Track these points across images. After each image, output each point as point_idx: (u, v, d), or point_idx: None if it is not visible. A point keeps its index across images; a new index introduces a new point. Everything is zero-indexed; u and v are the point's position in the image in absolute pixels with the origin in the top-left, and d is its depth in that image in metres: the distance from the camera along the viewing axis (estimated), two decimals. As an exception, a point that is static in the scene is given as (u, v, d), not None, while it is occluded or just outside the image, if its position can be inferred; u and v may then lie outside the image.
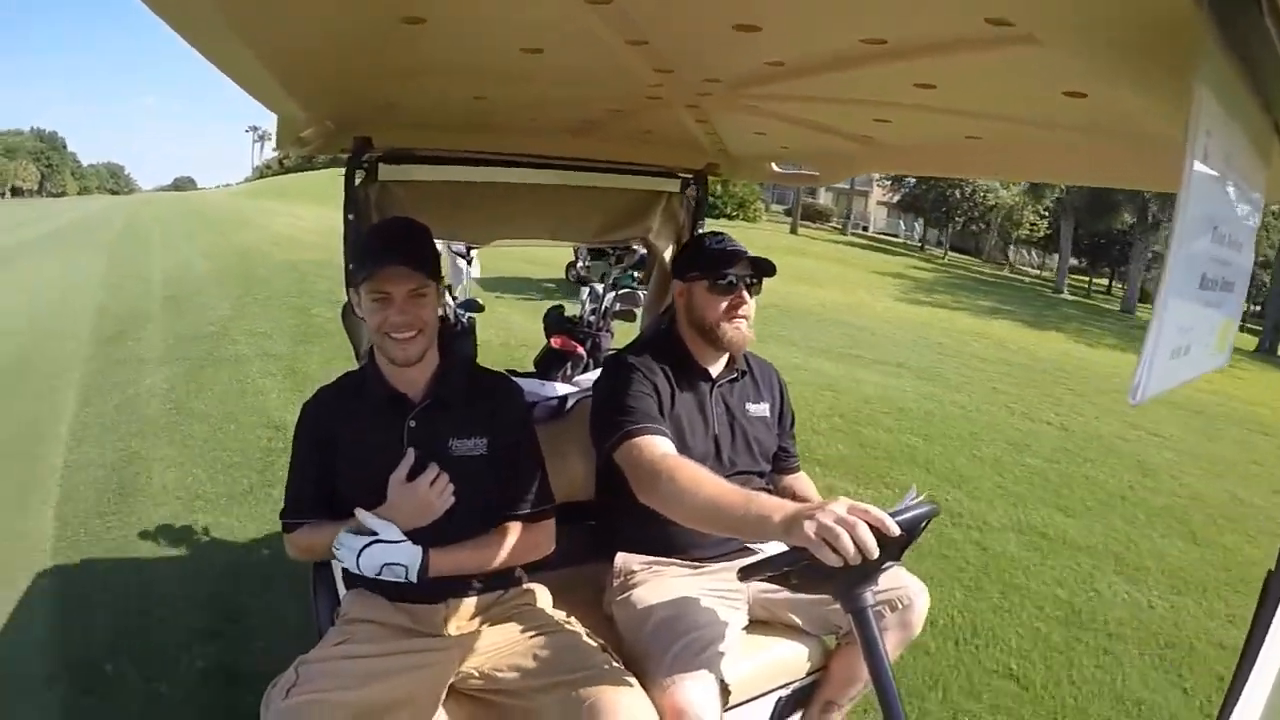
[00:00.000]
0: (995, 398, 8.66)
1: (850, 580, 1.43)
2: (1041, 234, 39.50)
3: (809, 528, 1.26)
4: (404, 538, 1.54)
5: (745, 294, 1.92)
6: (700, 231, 2.11)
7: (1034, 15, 0.75)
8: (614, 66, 1.38)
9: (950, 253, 41.73)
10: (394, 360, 1.60)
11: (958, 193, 37.63)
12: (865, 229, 49.77)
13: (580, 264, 11.03)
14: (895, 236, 47.45)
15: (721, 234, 2.01)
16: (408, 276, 1.55)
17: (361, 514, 1.55)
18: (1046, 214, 37.38)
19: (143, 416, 5.46)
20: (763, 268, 1.93)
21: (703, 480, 1.55)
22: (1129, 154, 1.46)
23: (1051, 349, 14.48)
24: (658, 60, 1.33)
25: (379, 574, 1.52)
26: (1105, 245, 37.42)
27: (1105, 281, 39.85)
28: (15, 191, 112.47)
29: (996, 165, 2.56)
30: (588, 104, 1.80)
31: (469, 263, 3.65)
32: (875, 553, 1.26)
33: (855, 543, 1.24)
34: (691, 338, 1.97)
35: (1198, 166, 0.61)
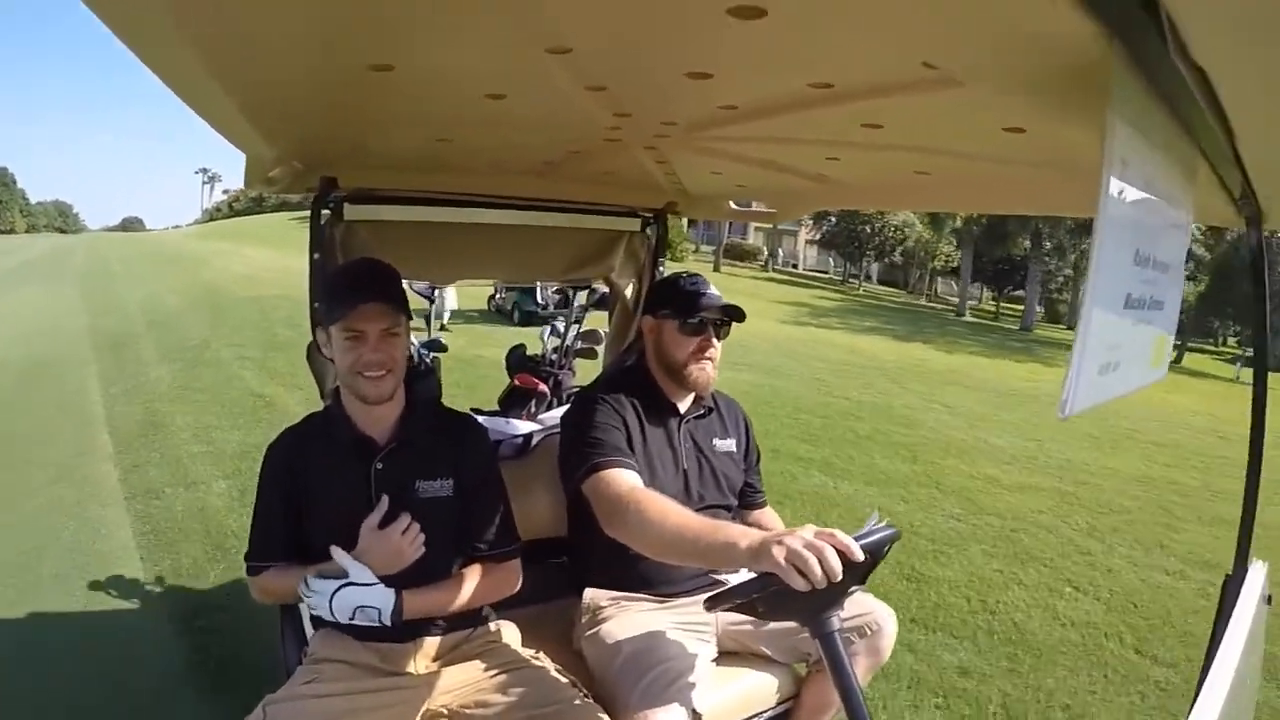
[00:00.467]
0: (813, 384, 10.58)
1: (817, 606, 1.45)
2: (956, 264, 41.60)
3: (777, 553, 1.28)
4: (376, 580, 1.52)
5: (713, 337, 1.95)
6: (673, 272, 2.15)
7: (957, 60, 0.81)
8: (574, 111, 1.43)
9: (880, 285, 44.61)
10: (366, 399, 1.59)
11: (868, 228, 38.95)
12: (795, 266, 51.39)
13: (499, 295, 13.38)
14: (824, 273, 49.01)
15: (696, 276, 2.04)
16: (382, 315, 1.55)
17: (337, 552, 1.52)
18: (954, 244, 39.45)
19: (156, 392, 7.44)
20: (732, 313, 1.96)
21: (669, 511, 1.56)
22: (1072, 184, 1.53)
23: (902, 355, 16.28)
24: (616, 105, 1.37)
25: (352, 618, 1.49)
26: (1007, 271, 39.94)
27: (1020, 306, 41.35)
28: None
29: (946, 199, 2.67)
30: (549, 146, 1.84)
31: (431, 301, 3.66)
32: (840, 576, 1.28)
33: (822, 567, 1.26)
34: (659, 374, 2.00)
35: (1113, 193, 0.66)
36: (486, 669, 1.62)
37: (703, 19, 0.86)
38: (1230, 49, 0.68)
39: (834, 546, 1.28)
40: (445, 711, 1.56)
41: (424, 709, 1.54)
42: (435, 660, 1.65)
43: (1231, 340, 38.55)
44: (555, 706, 1.51)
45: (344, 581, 1.50)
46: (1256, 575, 1.55)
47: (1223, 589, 1.60)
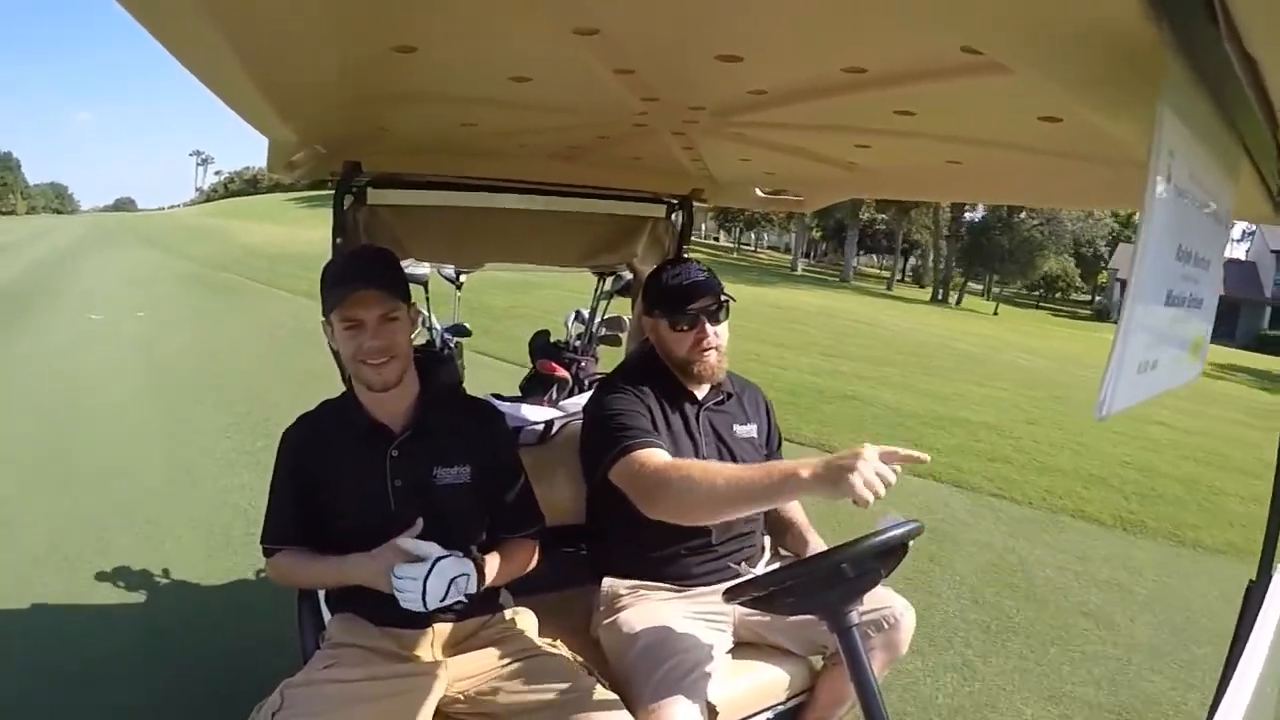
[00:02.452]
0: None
1: (837, 599, 1.45)
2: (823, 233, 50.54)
3: (851, 477, 1.31)
4: (452, 551, 1.52)
5: (708, 326, 1.91)
6: (659, 264, 2.11)
7: (1002, 45, 0.78)
8: (601, 94, 1.41)
9: (769, 250, 54.32)
10: (372, 386, 1.59)
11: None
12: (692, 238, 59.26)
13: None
14: (717, 241, 56.78)
15: (682, 264, 1.99)
16: (377, 301, 1.54)
17: (406, 541, 1.51)
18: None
19: (262, 278, 15.93)
20: (720, 298, 1.92)
21: (713, 468, 1.57)
22: (1105, 176, 1.49)
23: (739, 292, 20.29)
24: (643, 89, 1.35)
25: (444, 597, 1.48)
26: (836, 231, 46.89)
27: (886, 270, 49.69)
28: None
29: (977, 189, 2.62)
30: (575, 130, 1.82)
31: (458, 287, 3.66)
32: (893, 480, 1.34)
33: (879, 485, 1.31)
34: (670, 366, 1.98)
35: (1160, 186, 0.63)
36: (503, 656, 1.62)
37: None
38: (1276, 34, 0.65)
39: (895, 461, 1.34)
40: (462, 697, 1.57)
41: (441, 694, 1.54)
42: (453, 646, 1.65)
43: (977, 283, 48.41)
44: (572, 695, 1.51)
45: (435, 558, 1.48)
46: None
47: (1245, 596, 1.56)
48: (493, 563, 1.64)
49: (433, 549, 1.50)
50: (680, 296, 1.90)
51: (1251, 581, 1.58)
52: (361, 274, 1.56)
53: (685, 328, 1.90)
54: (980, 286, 48.44)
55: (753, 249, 56.98)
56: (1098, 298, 48.20)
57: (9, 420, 5.79)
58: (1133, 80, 0.68)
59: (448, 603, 1.49)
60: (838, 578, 1.43)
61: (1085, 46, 0.70)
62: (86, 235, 34.43)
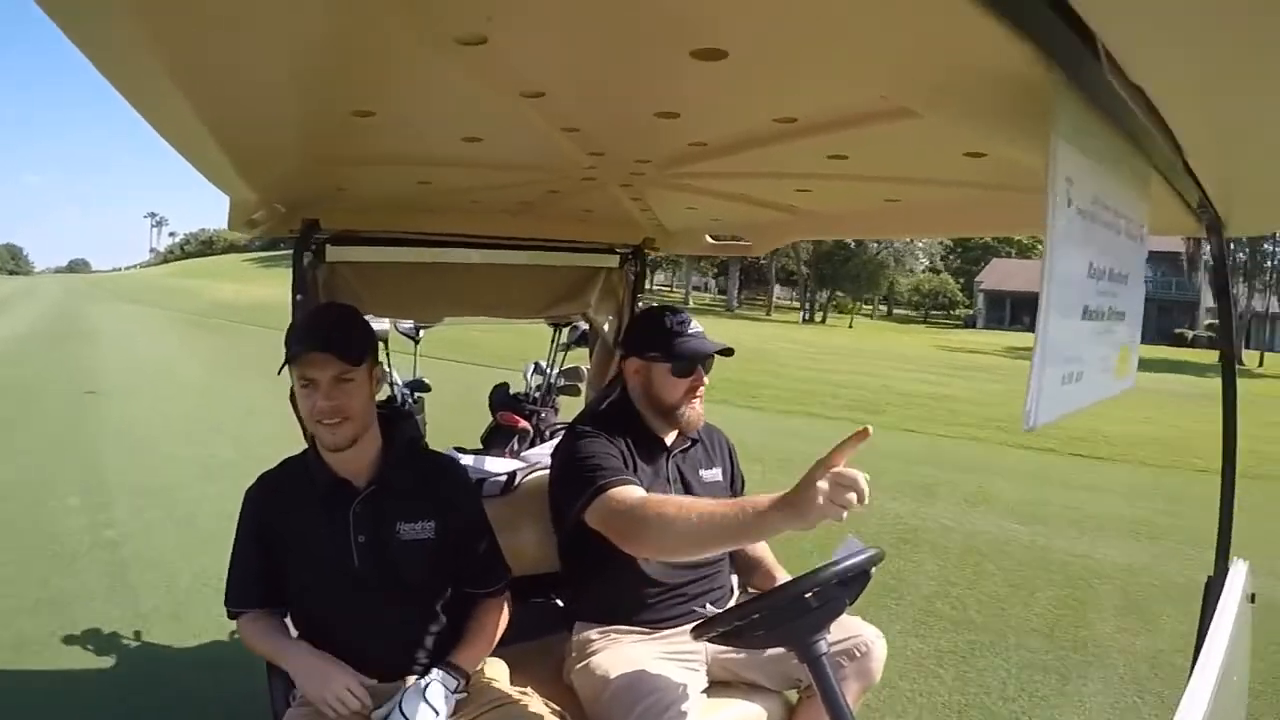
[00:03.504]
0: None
1: (804, 629, 1.47)
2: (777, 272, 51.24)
3: (814, 496, 1.29)
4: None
5: (704, 376, 1.96)
6: (649, 307, 2.16)
7: (910, 92, 0.85)
8: (550, 151, 1.47)
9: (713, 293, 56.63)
10: (325, 446, 1.59)
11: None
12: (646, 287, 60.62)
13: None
14: (667, 286, 56.73)
15: (680, 312, 2.02)
16: (330, 363, 1.53)
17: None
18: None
19: (237, 329, 19.60)
20: (721, 354, 1.96)
21: (687, 504, 1.57)
22: (1033, 204, 1.58)
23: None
24: (590, 145, 1.41)
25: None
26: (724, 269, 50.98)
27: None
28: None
29: (918, 225, 2.72)
30: (527, 186, 1.88)
31: (417, 342, 3.66)
32: (867, 497, 1.31)
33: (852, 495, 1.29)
34: (647, 412, 1.99)
35: (1060, 210, 0.70)
36: (476, 707, 1.61)
37: (667, 61, 0.90)
38: (1163, 66, 0.73)
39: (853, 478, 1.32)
40: None
41: None
42: None
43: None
44: None
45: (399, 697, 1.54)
46: (1238, 574, 1.58)
47: (1205, 590, 1.62)
48: (472, 656, 1.68)
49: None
50: (684, 344, 1.92)
51: (1209, 576, 1.65)
52: (316, 335, 1.56)
53: (684, 374, 1.93)
54: (869, 307, 54.24)
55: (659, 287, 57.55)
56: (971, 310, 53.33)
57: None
58: (1030, 117, 0.75)
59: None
60: (802, 607, 1.44)
61: (983, 89, 0.77)
62: (68, 293, 41.48)
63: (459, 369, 10.19)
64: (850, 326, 41.35)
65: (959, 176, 1.50)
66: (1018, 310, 46.95)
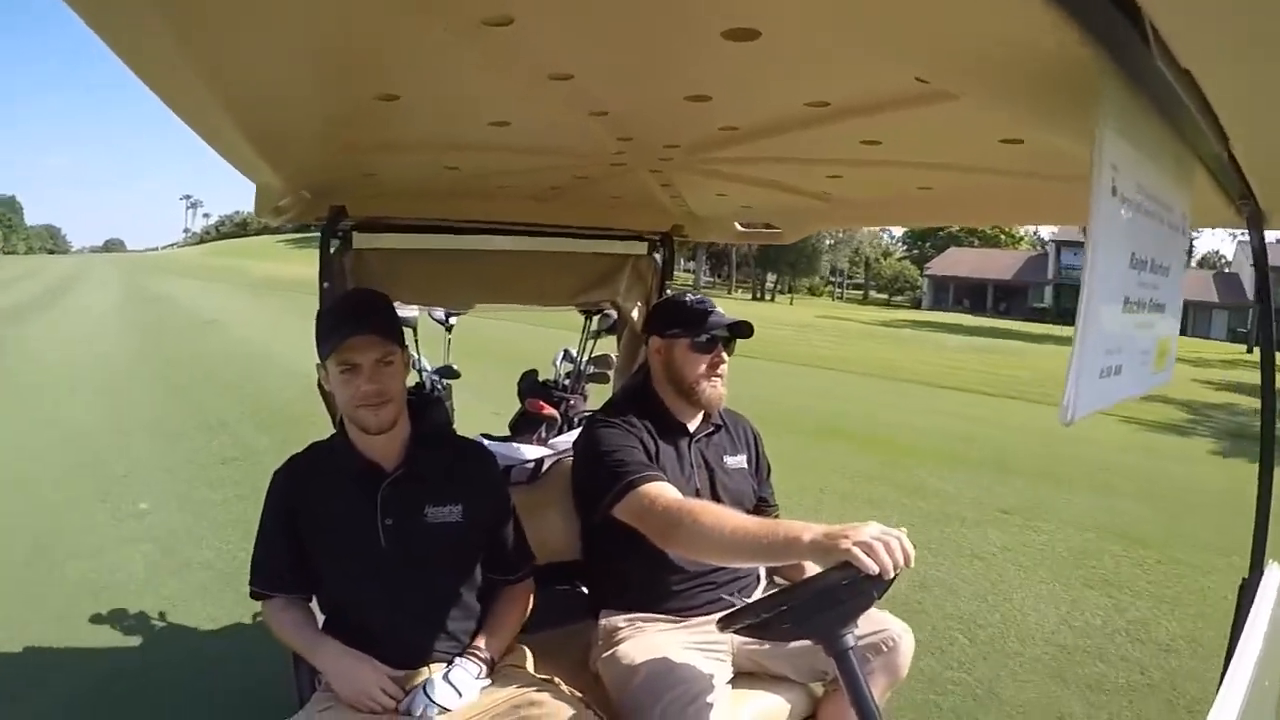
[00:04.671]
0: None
1: (831, 623, 1.45)
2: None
3: (845, 544, 1.34)
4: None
5: (723, 353, 1.97)
6: (674, 292, 2.16)
7: (947, 74, 0.83)
8: (578, 136, 1.46)
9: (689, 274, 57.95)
10: (367, 429, 1.60)
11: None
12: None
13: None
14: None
15: (701, 295, 2.06)
16: (374, 345, 1.57)
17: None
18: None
19: (284, 294, 24.01)
20: (739, 329, 1.98)
21: (723, 515, 1.60)
22: (1072, 193, 1.54)
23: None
24: (618, 129, 1.40)
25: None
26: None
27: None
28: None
29: (951, 213, 2.67)
30: (555, 171, 1.87)
31: (449, 329, 3.68)
32: (913, 560, 1.37)
33: (890, 554, 1.33)
34: (668, 394, 2.00)
35: (1104, 199, 0.67)
36: (506, 693, 1.62)
37: (698, 43, 0.88)
38: (1214, 52, 0.69)
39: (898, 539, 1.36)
40: None
41: None
42: None
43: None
44: None
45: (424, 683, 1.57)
46: (1274, 577, 1.54)
47: (1239, 592, 1.58)
48: (497, 643, 1.70)
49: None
50: (704, 319, 1.96)
51: (1244, 579, 1.61)
52: (357, 319, 1.58)
53: (705, 350, 1.94)
54: (832, 288, 62.91)
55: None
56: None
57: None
58: (1074, 102, 0.72)
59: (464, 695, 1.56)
60: (830, 600, 1.43)
61: (1024, 72, 0.74)
62: (125, 270, 47.56)
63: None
64: (791, 304, 47.67)
65: (995, 164, 1.47)
66: (959, 294, 54.50)
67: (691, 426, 2.02)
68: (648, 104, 1.26)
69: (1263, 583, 1.52)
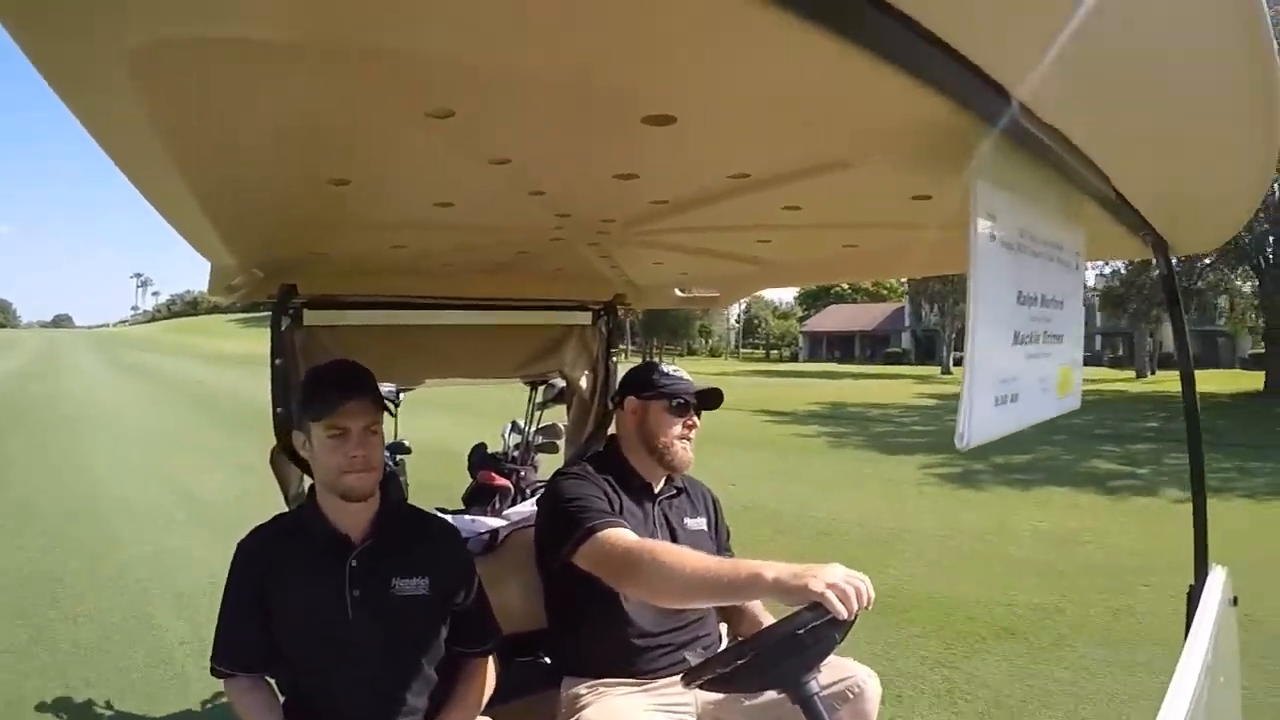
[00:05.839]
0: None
1: (795, 670, 1.47)
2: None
3: (815, 585, 1.38)
4: None
5: (695, 418, 2.04)
6: (647, 361, 2.24)
7: (845, 145, 0.93)
8: (518, 214, 1.53)
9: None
10: (351, 495, 1.60)
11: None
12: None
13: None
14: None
15: (673, 365, 2.14)
16: (366, 412, 1.59)
17: None
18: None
19: (240, 368, 27.23)
20: (708, 398, 2.06)
21: (684, 554, 1.63)
22: None
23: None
24: (556, 207, 1.48)
25: None
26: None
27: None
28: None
29: (877, 268, 2.81)
30: (499, 248, 1.94)
31: (396, 405, 3.67)
32: (871, 603, 1.41)
33: (863, 596, 1.38)
34: (636, 454, 2.04)
35: (982, 245, 0.77)
36: None
37: (621, 128, 0.97)
38: (1071, 106, 0.80)
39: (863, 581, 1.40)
40: None
41: None
42: None
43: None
44: None
45: None
46: (1218, 579, 1.61)
47: (1188, 598, 1.65)
48: (462, 717, 1.70)
49: None
50: (680, 385, 2.03)
51: (1191, 585, 1.68)
52: (349, 387, 1.60)
53: (679, 413, 2.01)
54: (720, 347, 72.76)
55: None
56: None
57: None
58: (955, 160, 0.82)
59: None
60: (794, 647, 1.45)
61: (911, 138, 0.84)
62: (92, 346, 53.62)
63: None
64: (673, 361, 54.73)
65: (910, 219, 1.55)
66: (831, 346, 64.77)
67: (656, 487, 2.07)
68: (581, 183, 1.34)
69: (1207, 585, 1.60)
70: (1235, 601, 1.75)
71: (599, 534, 1.74)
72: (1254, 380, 23.84)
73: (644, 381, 2.07)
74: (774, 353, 70.78)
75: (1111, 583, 4.98)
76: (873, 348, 61.03)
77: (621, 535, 1.73)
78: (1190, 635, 1.32)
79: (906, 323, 59.80)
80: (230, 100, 0.79)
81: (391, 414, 3.67)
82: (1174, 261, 1.70)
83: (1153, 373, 34.63)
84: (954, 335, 41.90)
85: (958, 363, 40.43)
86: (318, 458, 1.61)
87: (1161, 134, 0.95)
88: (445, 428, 8.27)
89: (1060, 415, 1.17)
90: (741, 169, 1.21)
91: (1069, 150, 0.93)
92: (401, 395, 3.64)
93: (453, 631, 1.74)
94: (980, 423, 0.77)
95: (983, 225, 0.77)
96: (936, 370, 41.17)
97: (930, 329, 50.48)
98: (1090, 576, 5.14)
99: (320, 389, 1.62)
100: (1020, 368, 0.92)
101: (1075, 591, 4.80)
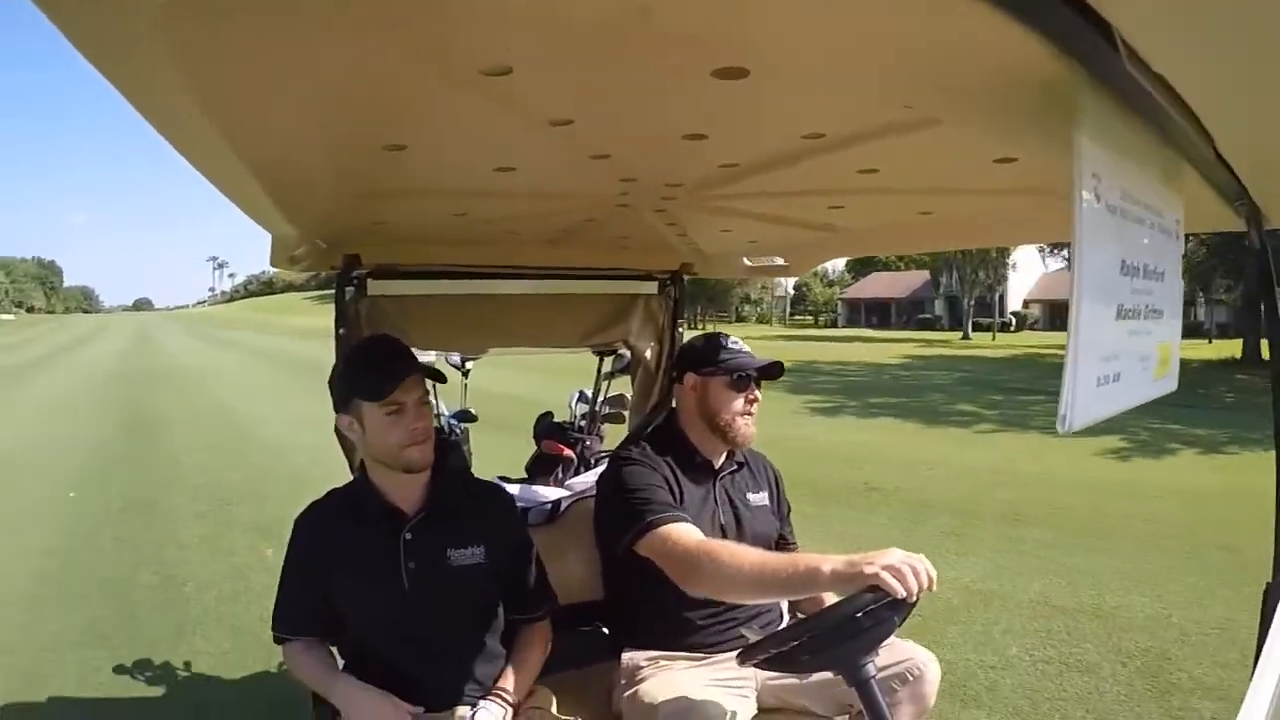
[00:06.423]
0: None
1: (851, 652, 1.44)
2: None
3: (870, 570, 1.37)
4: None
5: (756, 391, 2.00)
6: (706, 332, 2.19)
7: (932, 100, 0.86)
8: (582, 179, 1.50)
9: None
10: (413, 467, 1.62)
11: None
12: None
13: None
14: None
15: (734, 338, 2.10)
16: (418, 385, 1.62)
17: None
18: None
19: (318, 338, 21.01)
20: (770, 370, 2.01)
21: (742, 553, 1.62)
22: (1065, 207, 1.55)
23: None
24: (621, 170, 1.43)
25: None
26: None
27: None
28: (30, 310, 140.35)
29: (953, 236, 2.68)
30: (562, 215, 1.91)
31: (465, 374, 3.71)
32: (935, 584, 1.39)
33: (922, 577, 1.36)
34: (697, 430, 2.02)
35: (1087, 208, 0.69)
36: None
37: (690, 83, 0.91)
38: (1183, 53, 0.71)
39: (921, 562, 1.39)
40: None
41: None
42: None
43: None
44: None
45: None
46: None
47: (1264, 598, 1.55)
48: (520, 686, 1.71)
49: None
50: (741, 359, 2.00)
51: (1268, 583, 1.58)
52: (400, 363, 1.62)
53: (740, 388, 1.98)
54: (769, 315, 74.61)
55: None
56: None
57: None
58: (1053, 115, 0.75)
59: None
60: (851, 629, 1.42)
61: (1005, 91, 0.77)
62: (185, 327, 57.47)
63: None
64: (702, 328, 60.62)
65: (991, 184, 1.49)
66: (868, 313, 66.23)
67: (716, 463, 2.04)
68: (647, 145, 1.29)
69: None
70: None
71: (659, 529, 1.73)
72: (1233, 348, 25.68)
73: (704, 356, 2.04)
74: (821, 318, 73.02)
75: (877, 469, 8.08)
76: (908, 314, 62.22)
77: (682, 533, 1.72)
78: (1270, 640, 1.22)
79: (937, 291, 61.03)
80: (273, 66, 0.76)
81: (463, 377, 3.73)
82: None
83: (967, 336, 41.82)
84: (971, 303, 45.76)
85: (978, 327, 45.10)
86: (375, 435, 1.61)
87: (1270, 90, 0.84)
88: (519, 382, 11.65)
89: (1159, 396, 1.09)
90: (816, 129, 1.14)
91: (1176, 105, 0.84)
92: (469, 364, 3.67)
93: (508, 599, 1.75)
94: (1083, 403, 0.70)
95: (1087, 185, 0.69)
96: (958, 335, 43.38)
97: (957, 294, 50.65)
98: (876, 466, 8.23)
99: (369, 369, 1.63)
100: (1123, 344, 0.84)
101: (874, 471, 7.96)
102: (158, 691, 3.35)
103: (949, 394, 15.89)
